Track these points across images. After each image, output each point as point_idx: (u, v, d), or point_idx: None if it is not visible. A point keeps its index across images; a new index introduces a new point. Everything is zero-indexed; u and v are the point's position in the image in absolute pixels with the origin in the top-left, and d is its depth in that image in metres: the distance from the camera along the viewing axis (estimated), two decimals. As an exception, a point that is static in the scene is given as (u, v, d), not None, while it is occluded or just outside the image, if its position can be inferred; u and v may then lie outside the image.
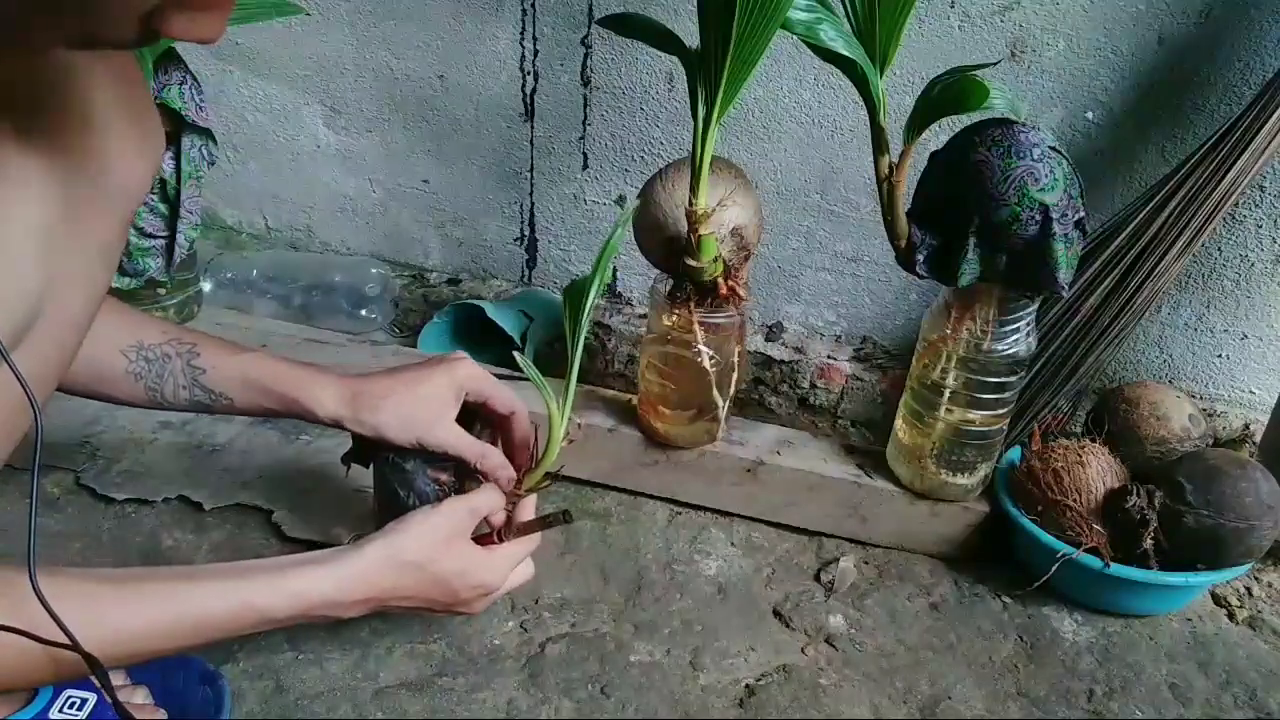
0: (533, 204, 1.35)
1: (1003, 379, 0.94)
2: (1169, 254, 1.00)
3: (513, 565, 0.77)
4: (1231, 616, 1.00)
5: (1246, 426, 1.17)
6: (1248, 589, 1.03)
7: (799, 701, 0.85)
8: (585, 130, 1.27)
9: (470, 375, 0.80)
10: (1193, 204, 0.98)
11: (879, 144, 0.85)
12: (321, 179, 1.43)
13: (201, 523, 0.99)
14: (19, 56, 0.49)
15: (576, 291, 0.77)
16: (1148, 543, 0.91)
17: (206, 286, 1.30)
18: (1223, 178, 0.96)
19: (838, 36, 0.80)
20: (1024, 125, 0.82)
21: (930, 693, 0.88)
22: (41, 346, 0.54)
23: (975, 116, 0.84)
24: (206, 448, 1.09)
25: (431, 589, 0.71)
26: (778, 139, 1.20)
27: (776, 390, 1.30)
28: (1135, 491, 0.92)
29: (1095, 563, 0.92)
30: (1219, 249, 1.11)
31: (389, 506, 0.78)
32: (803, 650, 0.91)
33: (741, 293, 0.96)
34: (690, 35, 0.84)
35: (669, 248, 0.94)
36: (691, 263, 0.91)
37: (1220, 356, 1.18)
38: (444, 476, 0.79)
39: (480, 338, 1.28)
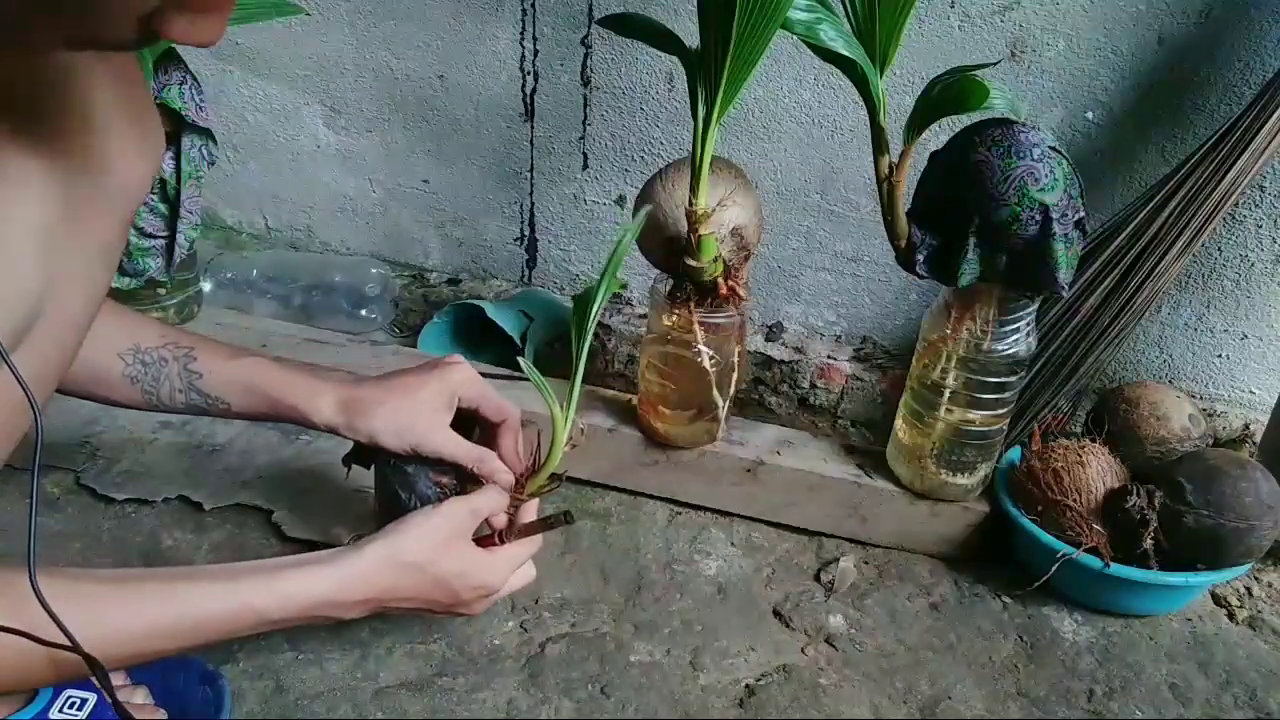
0: (533, 204, 1.35)
1: (1003, 379, 0.94)
2: (1169, 254, 1.00)
3: (514, 567, 0.77)
4: (1231, 616, 1.00)
5: (1246, 426, 1.17)
6: (1248, 589, 1.03)
7: (799, 701, 0.85)
8: (585, 130, 1.27)
9: (464, 380, 0.80)
10: (1193, 204, 0.98)
11: (879, 144, 0.85)
12: (321, 179, 1.43)
13: (201, 523, 0.99)
14: (19, 57, 0.49)
15: (584, 300, 0.77)
16: (1148, 543, 0.91)
17: (206, 286, 1.30)
18: (1223, 178, 0.96)
19: (838, 36, 0.80)
20: (1024, 125, 0.82)
21: (930, 693, 0.88)
22: (42, 347, 0.54)
23: (975, 116, 0.84)
24: (206, 448, 1.09)
25: (432, 590, 0.71)
26: (778, 139, 1.20)
27: (776, 390, 1.30)
28: (1135, 491, 0.92)
29: (1095, 563, 0.92)
30: (1219, 249, 1.12)
31: (390, 508, 0.77)
32: (803, 650, 0.91)
33: (741, 293, 0.96)
34: (690, 35, 0.84)
35: (669, 248, 0.94)
36: (691, 263, 0.91)
37: (1220, 356, 1.18)
38: (445, 479, 0.79)
39: (480, 338, 1.28)
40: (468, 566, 0.73)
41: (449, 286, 1.43)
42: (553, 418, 0.77)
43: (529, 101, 1.28)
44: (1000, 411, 0.96)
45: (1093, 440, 0.99)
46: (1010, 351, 0.92)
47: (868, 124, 0.84)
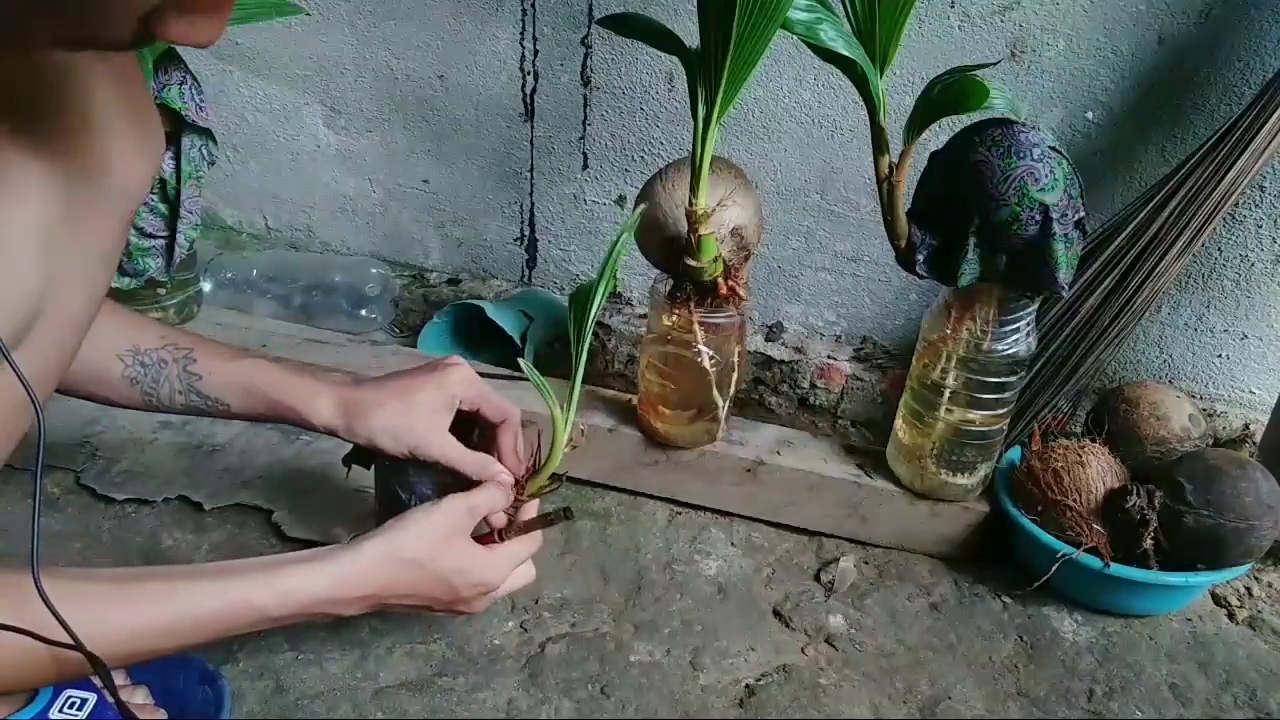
0: (533, 204, 1.35)
1: (1003, 379, 0.94)
2: (1169, 254, 1.00)
3: (514, 564, 0.76)
4: (1231, 616, 1.00)
5: (1246, 426, 1.17)
6: (1248, 589, 1.03)
7: (799, 701, 0.85)
8: (585, 130, 1.27)
9: (462, 381, 0.80)
10: (1193, 204, 0.98)
11: (879, 144, 0.85)
12: (321, 179, 1.43)
13: (201, 523, 0.99)
14: (19, 57, 0.49)
15: (582, 298, 0.77)
16: (1148, 543, 0.91)
17: (206, 286, 1.30)
18: (1223, 178, 0.96)
19: (838, 36, 0.80)
20: (1024, 125, 0.82)
21: (930, 693, 0.88)
22: (42, 347, 0.54)
23: (975, 116, 0.84)
24: (206, 448, 1.09)
25: (433, 587, 0.71)
26: (778, 139, 1.20)
27: (776, 390, 1.30)
28: (1135, 491, 0.92)
29: (1095, 563, 0.92)
30: (1219, 249, 1.12)
31: (390, 508, 0.77)
32: (803, 650, 0.91)
33: (741, 293, 0.96)
34: (690, 35, 0.84)
35: (669, 248, 0.94)
36: (691, 263, 0.91)
37: (1220, 356, 1.18)
38: (446, 479, 0.78)
39: (480, 338, 1.28)
40: (467, 563, 0.72)
41: (449, 286, 1.43)
42: (553, 418, 0.77)
43: (529, 101, 1.28)
44: (1000, 411, 0.96)
45: (1093, 440, 0.99)
46: (1010, 351, 0.92)
47: (868, 124, 0.84)
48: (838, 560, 1.02)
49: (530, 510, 0.80)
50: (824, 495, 1.04)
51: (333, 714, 0.80)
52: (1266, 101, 0.95)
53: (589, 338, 0.77)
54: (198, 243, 1.18)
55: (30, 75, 0.50)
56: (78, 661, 0.53)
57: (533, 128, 1.30)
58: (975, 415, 0.96)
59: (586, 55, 1.23)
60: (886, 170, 0.86)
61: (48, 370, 0.57)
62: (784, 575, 1.01)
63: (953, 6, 1.08)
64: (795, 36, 0.80)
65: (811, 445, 1.08)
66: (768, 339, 1.30)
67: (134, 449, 1.07)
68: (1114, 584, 0.93)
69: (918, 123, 0.83)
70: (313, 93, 1.36)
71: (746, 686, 0.87)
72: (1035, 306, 0.92)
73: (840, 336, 1.31)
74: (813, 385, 1.28)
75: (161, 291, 1.18)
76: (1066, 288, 0.85)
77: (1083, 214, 0.85)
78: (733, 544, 1.05)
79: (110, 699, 0.58)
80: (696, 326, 0.95)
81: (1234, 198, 0.97)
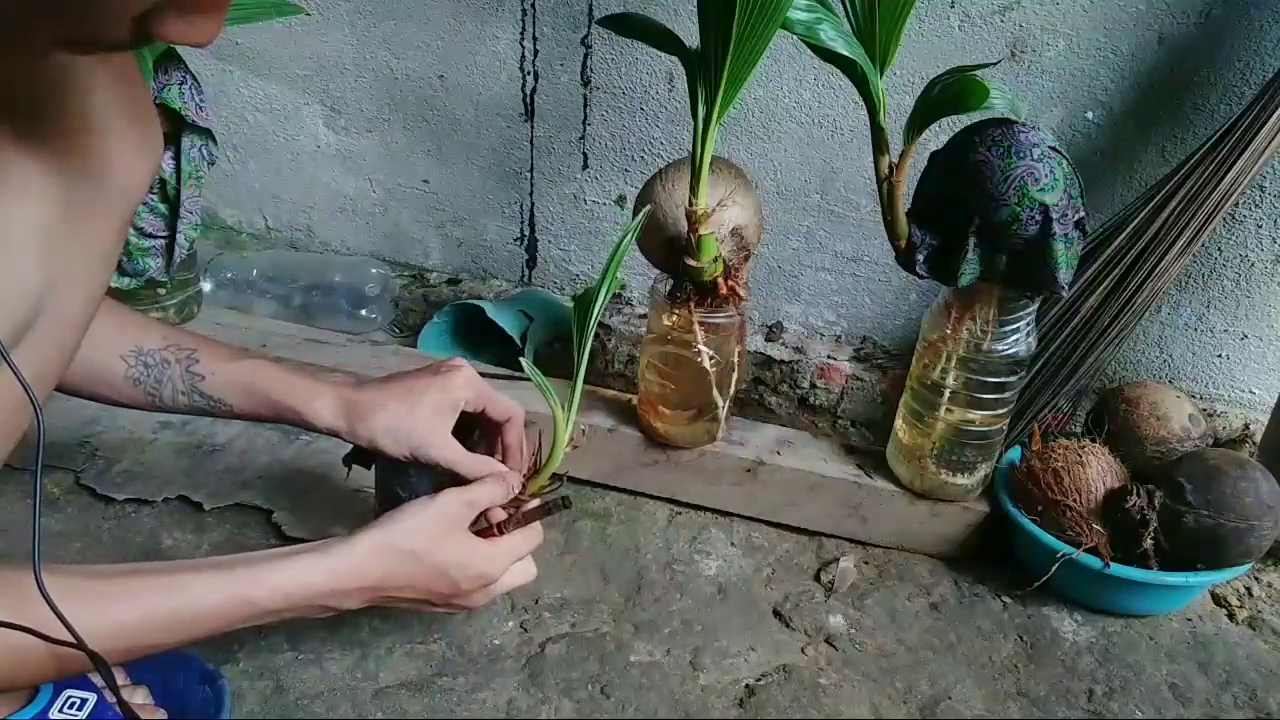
0: (533, 204, 1.35)
1: (1003, 379, 0.94)
2: (1169, 254, 1.00)
3: (513, 558, 0.76)
4: (1231, 616, 1.00)
5: (1246, 426, 1.17)
6: (1248, 589, 1.03)
7: (799, 701, 0.85)
8: (585, 130, 1.27)
9: (466, 384, 0.79)
10: (1193, 204, 0.98)
11: (879, 144, 0.85)
12: (321, 179, 1.43)
13: (201, 523, 0.99)
14: (19, 58, 0.49)
15: (585, 301, 0.77)
16: (1148, 543, 0.91)
17: (206, 286, 1.30)
18: (1223, 178, 0.96)
19: (838, 36, 0.80)
20: (1024, 125, 0.82)
21: (930, 693, 0.88)
22: (42, 346, 0.54)
23: (975, 116, 0.84)
24: (206, 448, 1.09)
25: (431, 580, 0.71)
26: (778, 139, 1.20)
27: (776, 390, 1.30)
28: (1135, 491, 0.92)
29: (1095, 563, 0.92)
30: (1219, 249, 1.12)
31: (390, 508, 0.77)
32: (803, 650, 0.91)
33: (741, 293, 0.96)
34: (690, 35, 0.84)
35: (669, 248, 0.94)
36: (691, 263, 0.91)
37: (1220, 356, 1.18)
38: (446, 480, 0.78)
39: (480, 338, 1.28)
40: (466, 556, 0.72)
41: (449, 286, 1.43)
42: (554, 418, 0.77)
43: (529, 101, 1.28)
44: (1000, 411, 0.96)
45: (1093, 440, 0.99)
46: (1010, 351, 0.92)
47: (868, 124, 0.84)
48: (838, 560, 1.02)
49: (528, 504, 0.81)
50: (824, 495, 1.04)
51: (333, 714, 0.80)
52: (1266, 102, 0.95)
53: (591, 338, 0.77)
54: (198, 243, 1.18)
55: (30, 75, 0.51)
56: (78, 659, 0.53)
57: (533, 128, 1.30)
58: (975, 415, 0.96)
59: (586, 55, 1.23)
60: (886, 170, 0.86)
61: (47, 370, 0.57)
62: (784, 575, 1.01)
63: (953, 6, 1.08)
64: (795, 36, 0.80)
65: (811, 445, 1.08)
66: (768, 339, 1.30)
67: (134, 449, 1.07)
68: (1114, 584, 0.93)
69: (918, 123, 0.83)
70: (313, 93, 1.36)
71: (746, 686, 0.87)
72: (1035, 306, 0.92)
73: (840, 336, 1.31)
74: (813, 385, 1.28)
75: (161, 291, 1.18)
76: (1066, 288, 0.85)
77: (1083, 214, 0.85)
78: (733, 544, 1.05)
79: (110, 698, 0.58)
80: (696, 326, 0.95)
81: (1234, 198, 0.97)
